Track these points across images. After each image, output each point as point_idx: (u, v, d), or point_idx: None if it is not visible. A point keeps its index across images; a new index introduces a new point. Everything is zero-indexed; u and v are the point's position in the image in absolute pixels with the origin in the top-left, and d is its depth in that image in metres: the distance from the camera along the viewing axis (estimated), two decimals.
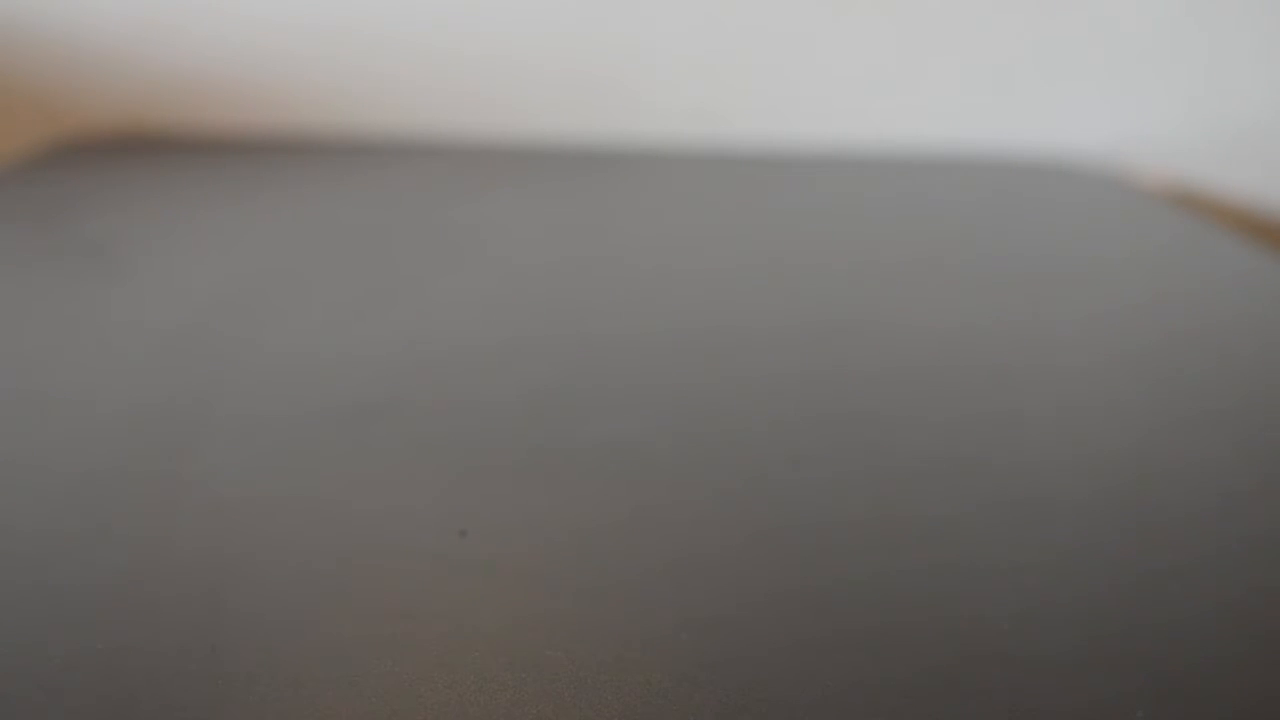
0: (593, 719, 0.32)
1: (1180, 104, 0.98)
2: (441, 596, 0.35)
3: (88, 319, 0.61)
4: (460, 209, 0.79)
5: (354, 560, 0.38)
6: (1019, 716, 0.31)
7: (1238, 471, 0.47)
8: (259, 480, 0.44)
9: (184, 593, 0.36)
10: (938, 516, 0.41)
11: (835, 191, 0.92)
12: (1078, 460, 0.47)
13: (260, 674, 0.32)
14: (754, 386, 0.54)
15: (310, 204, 0.85)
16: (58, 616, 0.34)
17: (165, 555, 0.38)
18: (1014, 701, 0.32)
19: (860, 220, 0.86)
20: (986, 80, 0.98)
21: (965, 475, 0.45)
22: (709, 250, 0.75)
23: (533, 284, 0.64)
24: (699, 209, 0.82)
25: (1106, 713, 0.31)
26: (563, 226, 0.75)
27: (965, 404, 0.52)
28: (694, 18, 0.96)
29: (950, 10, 0.97)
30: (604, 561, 0.38)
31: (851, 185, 0.93)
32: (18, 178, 0.88)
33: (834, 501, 0.43)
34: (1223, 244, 0.81)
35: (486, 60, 0.97)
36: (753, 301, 0.66)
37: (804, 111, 0.99)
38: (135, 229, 0.77)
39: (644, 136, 0.99)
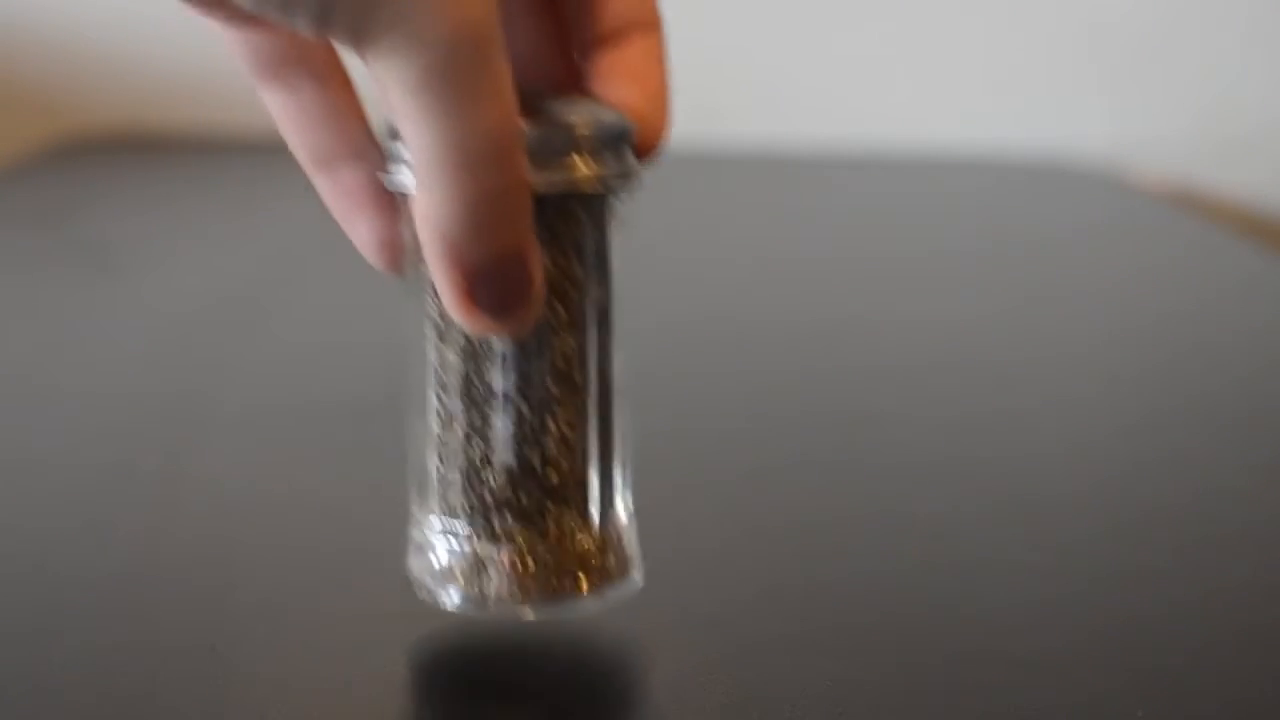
0: (593, 717, 0.32)
1: (1180, 105, 0.98)
2: None
3: (88, 318, 0.61)
4: None
5: (355, 559, 0.38)
6: (1019, 716, 0.31)
7: (1236, 468, 0.47)
8: (260, 479, 0.44)
9: (184, 591, 0.36)
10: (938, 515, 0.41)
11: (835, 191, 0.92)
12: (1077, 458, 0.47)
13: (260, 673, 0.32)
14: (753, 383, 0.54)
15: (310, 203, 0.84)
16: (58, 614, 0.34)
17: (166, 553, 0.38)
18: (1014, 701, 0.31)
19: (860, 220, 0.86)
20: (987, 81, 0.98)
21: (965, 473, 0.45)
22: (708, 249, 0.75)
23: None
24: (699, 208, 0.82)
25: (1106, 712, 0.31)
26: None
27: (964, 402, 0.52)
28: (696, 18, 0.96)
29: (951, 12, 0.97)
30: None
31: (852, 185, 0.93)
32: (18, 178, 0.88)
33: (835, 500, 0.43)
34: (1222, 244, 0.81)
35: None
36: (752, 300, 0.66)
37: (805, 111, 0.99)
38: (135, 229, 0.77)
39: None
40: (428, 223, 0.28)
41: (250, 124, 0.97)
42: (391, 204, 0.32)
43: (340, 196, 0.33)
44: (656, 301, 0.62)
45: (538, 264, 0.29)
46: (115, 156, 0.93)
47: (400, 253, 0.32)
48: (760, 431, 0.49)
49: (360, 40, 0.26)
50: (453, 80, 0.27)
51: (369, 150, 0.32)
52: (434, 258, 0.29)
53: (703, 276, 0.69)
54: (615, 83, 0.32)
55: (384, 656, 0.33)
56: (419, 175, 0.28)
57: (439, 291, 0.29)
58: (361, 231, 0.32)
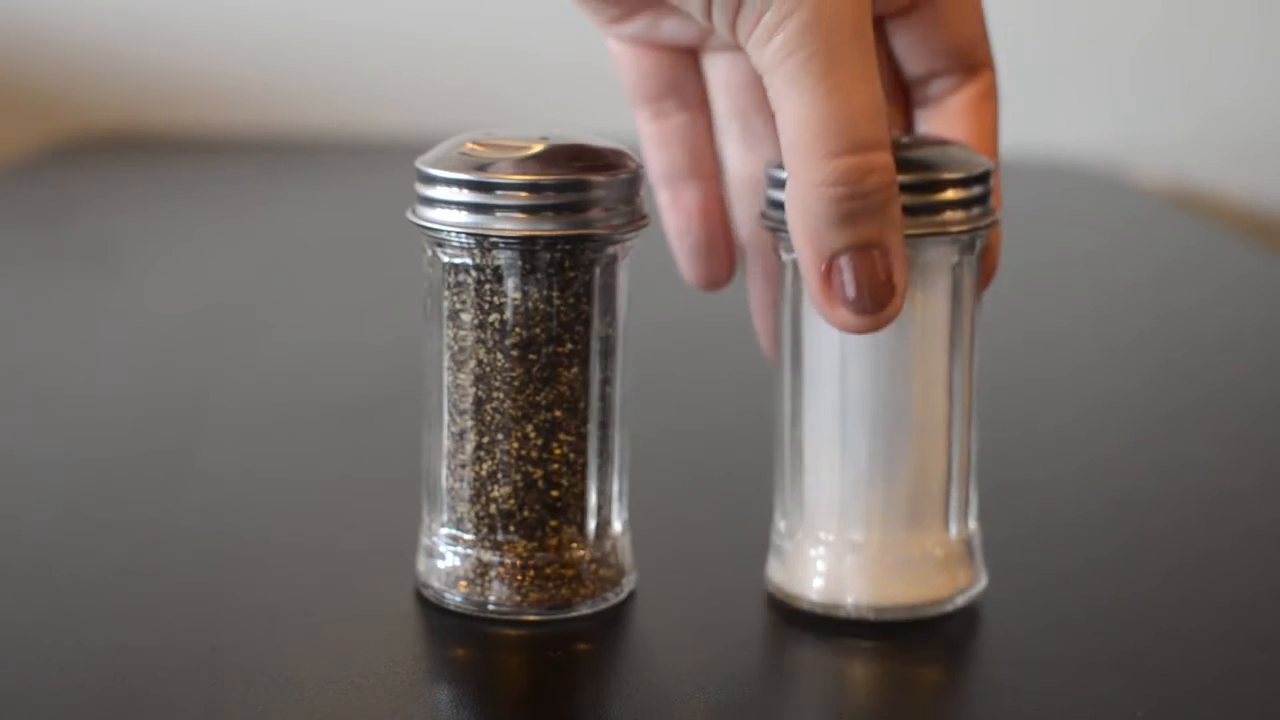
0: (592, 717, 0.32)
1: (1180, 104, 0.98)
2: None
3: (88, 318, 0.61)
4: None
5: (355, 559, 0.38)
6: (1019, 715, 0.31)
7: (1234, 467, 0.47)
8: (260, 478, 0.44)
9: (185, 591, 0.36)
10: None
11: None
12: (1078, 458, 0.47)
13: (260, 673, 0.32)
14: (753, 383, 0.54)
15: (309, 203, 0.85)
16: (58, 614, 0.34)
17: (166, 553, 0.38)
18: (1014, 700, 0.32)
19: None
20: None
21: None
22: None
23: None
24: None
25: (1106, 712, 0.31)
26: None
27: None
28: None
29: None
30: None
31: None
32: (18, 178, 0.88)
33: None
34: (1222, 244, 0.81)
35: (487, 59, 0.97)
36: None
37: None
38: (135, 229, 0.77)
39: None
40: (794, 206, 0.30)
41: (250, 124, 0.97)
42: (718, 226, 0.37)
43: (677, 213, 0.37)
44: (655, 300, 0.62)
45: (901, 266, 0.30)
46: (115, 156, 0.93)
47: (716, 271, 0.38)
48: (761, 432, 0.49)
49: (740, 25, 0.29)
50: (828, 59, 0.29)
51: (712, 175, 0.37)
52: (799, 244, 0.30)
53: None
54: (947, 122, 0.35)
55: (384, 656, 0.33)
56: (789, 158, 0.30)
57: (805, 282, 0.31)
58: (685, 247, 0.37)
